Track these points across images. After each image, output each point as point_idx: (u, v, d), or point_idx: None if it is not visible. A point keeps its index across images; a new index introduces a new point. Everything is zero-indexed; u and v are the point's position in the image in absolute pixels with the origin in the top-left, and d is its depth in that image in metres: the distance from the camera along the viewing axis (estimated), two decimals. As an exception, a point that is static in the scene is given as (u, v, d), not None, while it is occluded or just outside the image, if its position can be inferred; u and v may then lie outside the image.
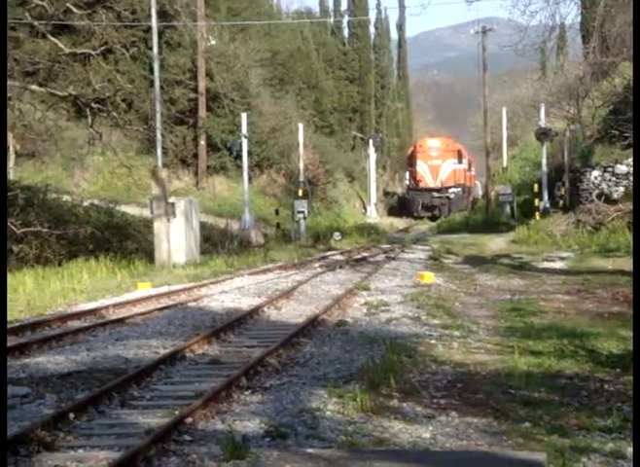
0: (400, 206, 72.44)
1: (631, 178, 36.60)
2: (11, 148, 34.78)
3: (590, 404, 9.49)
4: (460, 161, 67.42)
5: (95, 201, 34.90)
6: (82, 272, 23.97)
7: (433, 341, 13.40)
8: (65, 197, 33.65)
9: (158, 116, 30.69)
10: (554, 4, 24.28)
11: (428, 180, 66.09)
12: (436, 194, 65.36)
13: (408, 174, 69.31)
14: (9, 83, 23.25)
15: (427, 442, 8.19)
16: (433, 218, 63.09)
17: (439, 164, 66.19)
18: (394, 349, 12.15)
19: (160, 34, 38.83)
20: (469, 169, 71.75)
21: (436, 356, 12.24)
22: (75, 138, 38.63)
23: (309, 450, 7.57)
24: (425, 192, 65.80)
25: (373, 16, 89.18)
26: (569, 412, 9.14)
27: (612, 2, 26.31)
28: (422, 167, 66.39)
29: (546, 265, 26.54)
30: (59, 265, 26.23)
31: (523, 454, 7.38)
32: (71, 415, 8.83)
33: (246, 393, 10.00)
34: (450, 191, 65.29)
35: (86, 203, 33.85)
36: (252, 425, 8.60)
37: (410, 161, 68.94)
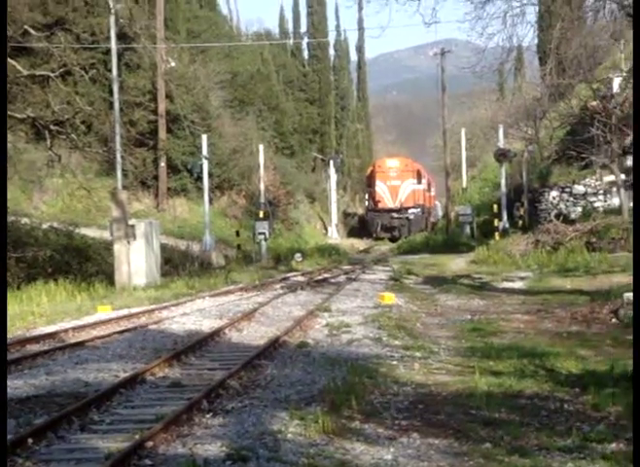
0: (360, 227, 72.08)
1: (588, 198, 37.07)
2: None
3: (550, 424, 9.54)
4: (419, 182, 67.02)
5: (55, 224, 34.64)
6: (41, 296, 23.77)
7: (394, 362, 13.42)
8: (24, 220, 33.39)
9: (117, 138, 30.62)
10: (511, 26, 24.57)
11: (387, 200, 65.59)
12: (395, 214, 64.87)
13: (367, 195, 68.77)
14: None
15: (389, 463, 8.20)
16: (392, 239, 62.78)
17: (398, 185, 65.66)
18: (355, 371, 12.17)
19: (120, 56, 38.77)
20: (428, 190, 71.45)
21: (397, 377, 12.26)
22: (34, 160, 38.38)
23: (271, 474, 7.56)
24: (384, 212, 65.22)
25: (332, 37, 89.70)
26: (529, 432, 9.18)
27: (568, 25, 26.67)
28: (381, 188, 65.93)
29: (505, 285, 26.70)
30: (18, 288, 25.97)
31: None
32: (30, 441, 8.75)
33: (207, 416, 9.95)
34: (410, 211, 64.78)
35: (45, 226, 33.60)
36: (213, 448, 8.56)
37: (369, 182, 68.42)
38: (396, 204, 65.18)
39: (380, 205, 65.59)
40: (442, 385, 11.69)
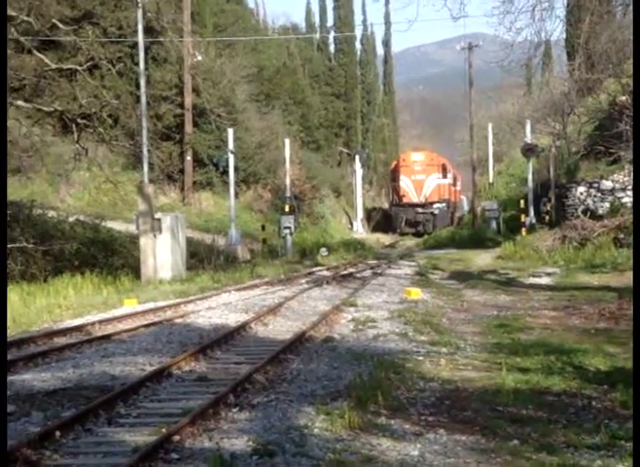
0: (384, 222, 71.16)
1: (616, 194, 36.79)
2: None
3: (578, 421, 9.49)
4: (445, 176, 66.12)
5: (81, 217, 34.75)
6: (67, 288, 23.86)
7: (420, 358, 13.38)
8: (51, 213, 33.54)
9: (144, 131, 30.66)
10: (540, 21, 24.45)
11: (412, 195, 64.71)
12: (420, 209, 63.89)
13: (391, 189, 68.01)
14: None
15: (415, 459, 8.17)
16: (417, 234, 61.67)
17: (422, 179, 64.71)
18: (381, 366, 12.13)
19: (147, 50, 38.86)
20: (454, 184, 70.49)
21: (423, 373, 12.22)
22: (61, 154, 38.53)
23: (298, 469, 7.55)
24: (409, 207, 64.33)
25: (359, 31, 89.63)
26: (557, 429, 9.13)
27: (597, 19, 26.49)
28: (405, 182, 65.01)
29: (532, 280, 26.56)
30: (45, 281, 26.10)
31: (512, 472, 7.37)
32: (57, 434, 8.77)
33: (234, 410, 9.95)
34: (435, 206, 63.88)
35: (71, 219, 33.71)
36: (240, 443, 8.56)
37: (394, 176, 67.53)
38: (421, 199, 64.31)
39: (405, 200, 64.73)
40: (468, 381, 11.64)
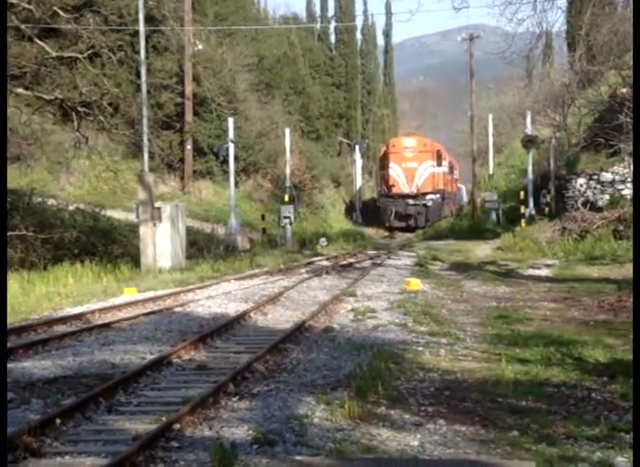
0: (372, 214, 62.99)
1: (616, 186, 36.77)
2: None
3: (578, 412, 9.51)
4: (439, 164, 59.09)
5: (81, 205, 34.76)
6: (67, 277, 23.87)
7: (420, 349, 13.40)
8: (51, 201, 33.54)
9: (144, 120, 30.60)
10: (541, 12, 24.43)
11: (402, 185, 57.58)
12: (411, 201, 56.92)
13: (379, 178, 62.08)
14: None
15: (415, 450, 8.19)
16: (407, 229, 56.22)
17: (414, 167, 57.54)
18: (381, 356, 12.15)
19: (148, 38, 38.72)
20: (450, 173, 64.93)
21: (423, 363, 12.24)
22: (61, 142, 38.47)
23: (298, 458, 7.57)
24: (399, 198, 57.27)
25: (359, 21, 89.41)
26: (557, 420, 9.15)
27: (598, 11, 26.48)
28: (395, 170, 57.95)
29: (531, 272, 26.59)
30: (44, 269, 26.11)
31: (512, 464, 7.38)
32: (57, 421, 8.79)
33: (234, 399, 9.97)
34: (428, 197, 57.04)
35: (71, 207, 33.72)
36: (240, 432, 8.58)
37: (382, 164, 60.93)
38: (412, 189, 57.22)
39: (394, 190, 57.74)
40: (468, 372, 11.67)
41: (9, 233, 26.40)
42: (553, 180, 41.87)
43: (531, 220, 41.35)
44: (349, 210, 69.07)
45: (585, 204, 36.66)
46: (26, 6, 30.37)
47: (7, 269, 12.90)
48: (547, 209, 41.55)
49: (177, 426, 8.59)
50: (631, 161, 35.80)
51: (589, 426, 8.88)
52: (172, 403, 9.68)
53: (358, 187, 69.12)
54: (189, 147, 49.09)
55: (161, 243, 28.39)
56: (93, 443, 8.34)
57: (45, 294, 20.57)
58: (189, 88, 48.54)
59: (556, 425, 8.96)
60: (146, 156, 30.95)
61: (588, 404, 9.88)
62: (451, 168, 65.68)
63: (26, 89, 32.84)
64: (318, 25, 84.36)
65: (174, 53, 49.19)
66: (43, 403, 9.89)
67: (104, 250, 30.70)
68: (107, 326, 15.60)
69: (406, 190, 57.51)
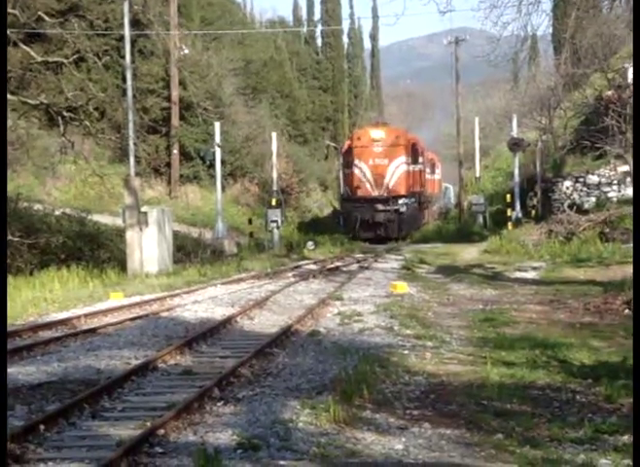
0: (336, 223, 50.19)
1: (602, 189, 36.91)
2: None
3: (562, 415, 9.52)
4: (415, 160, 48.10)
5: (67, 210, 34.68)
6: (53, 282, 23.80)
7: (406, 352, 13.40)
8: (37, 206, 33.46)
9: (130, 125, 30.59)
10: (526, 15, 24.37)
11: (369, 187, 46.27)
12: (380, 206, 45.52)
13: (342, 178, 48.84)
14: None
15: (400, 453, 8.19)
16: (376, 240, 44.65)
17: (384, 164, 46.28)
18: (367, 360, 12.15)
19: (133, 43, 38.71)
20: (431, 172, 55.71)
21: (409, 367, 12.24)
22: (47, 147, 38.44)
23: (282, 463, 7.57)
24: (365, 203, 45.90)
25: (346, 25, 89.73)
26: (541, 423, 9.16)
27: (583, 14, 26.51)
28: (361, 169, 46.51)
29: (518, 275, 26.59)
30: (31, 274, 26.03)
31: None
32: (41, 427, 8.77)
33: (219, 404, 9.96)
34: (401, 202, 45.84)
35: (57, 212, 33.64)
36: (224, 437, 8.57)
37: (346, 161, 47.91)
38: (381, 192, 46.02)
39: (360, 193, 46.45)
40: (453, 375, 11.67)
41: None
42: (540, 183, 41.96)
43: (518, 223, 41.39)
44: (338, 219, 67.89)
45: (571, 207, 36.74)
46: (11, 11, 30.30)
47: (6, 271, 12.92)
48: (533, 212, 41.64)
49: (161, 432, 8.58)
50: (618, 163, 35.98)
51: (573, 429, 8.89)
52: (157, 408, 9.66)
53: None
54: (175, 151, 49.07)
55: (148, 248, 28.34)
56: (77, 449, 8.32)
57: (31, 299, 20.49)
58: (175, 92, 48.53)
59: (541, 428, 8.97)
60: (132, 160, 30.93)
61: (573, 406, 9.89)
62: (432, 167, 57.03)
63: (12, 93, 32.76)
64: (305, 29, 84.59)
65: (160, 58, 49.21)
66: (27, 409, 9.86)
67: (91, 255, 30.63)
68: (93, 331, 15.56)
69: (373, 193, 46.30)
